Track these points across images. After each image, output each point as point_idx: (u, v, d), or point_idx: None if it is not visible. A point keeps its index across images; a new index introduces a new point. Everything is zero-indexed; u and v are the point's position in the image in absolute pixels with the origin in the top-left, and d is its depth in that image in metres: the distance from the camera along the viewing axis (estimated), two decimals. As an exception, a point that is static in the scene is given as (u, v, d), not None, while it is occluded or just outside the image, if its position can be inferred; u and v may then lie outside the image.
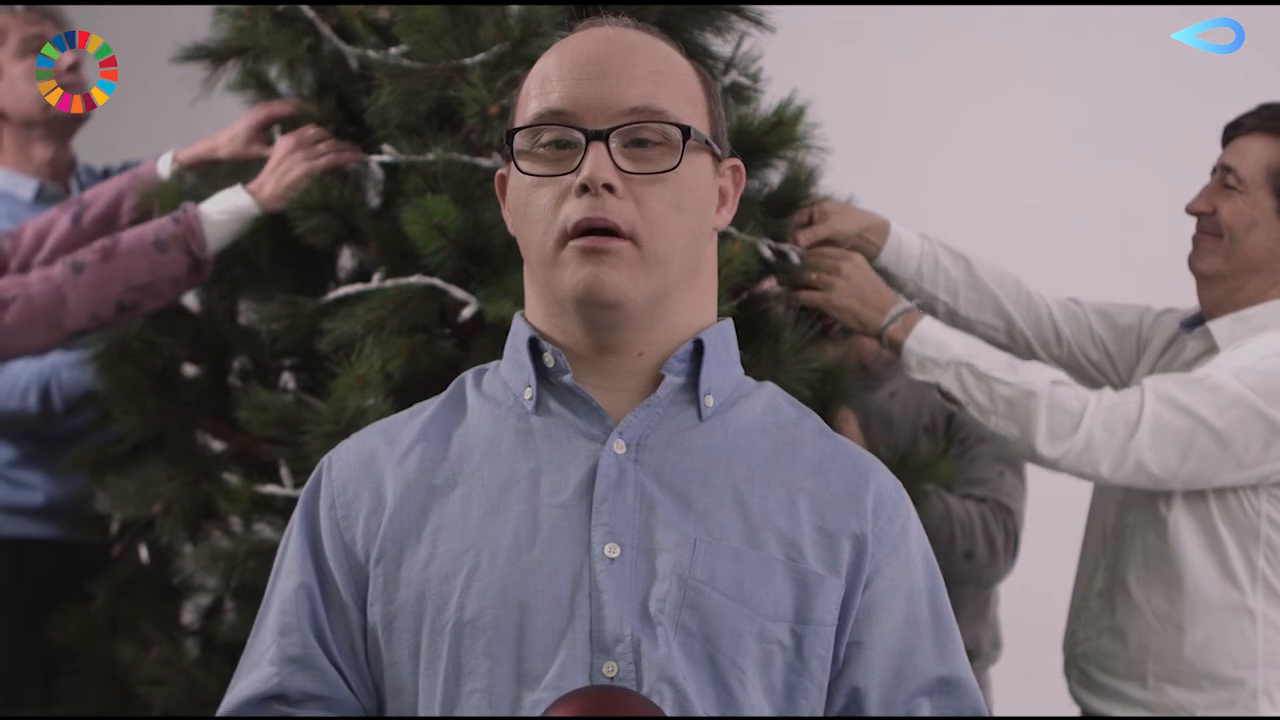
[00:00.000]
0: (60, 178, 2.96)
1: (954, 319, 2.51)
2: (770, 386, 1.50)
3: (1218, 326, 2.34)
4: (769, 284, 2.40)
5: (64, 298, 2.38)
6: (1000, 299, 2.49)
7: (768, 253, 2.35)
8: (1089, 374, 2.54)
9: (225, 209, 2.41)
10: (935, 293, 2.49)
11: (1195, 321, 2.41)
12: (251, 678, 1.42)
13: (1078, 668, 2.45)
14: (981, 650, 2.92)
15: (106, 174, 3.02)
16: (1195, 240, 2.38)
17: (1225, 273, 2.34)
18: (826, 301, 2.33)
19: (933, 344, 2.29)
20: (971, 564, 2.76)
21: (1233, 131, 2.37)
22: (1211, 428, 2.21)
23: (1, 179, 2.91)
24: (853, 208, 2.47)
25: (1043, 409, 2.22)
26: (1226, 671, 2.28)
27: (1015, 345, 2.53)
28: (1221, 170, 2.35)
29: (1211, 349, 2.34)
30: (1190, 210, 2.38)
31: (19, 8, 2.85)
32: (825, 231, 2.41)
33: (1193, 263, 2.38)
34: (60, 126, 2.92)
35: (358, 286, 2.35)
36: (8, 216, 2.84)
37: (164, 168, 2.60)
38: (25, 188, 2.91)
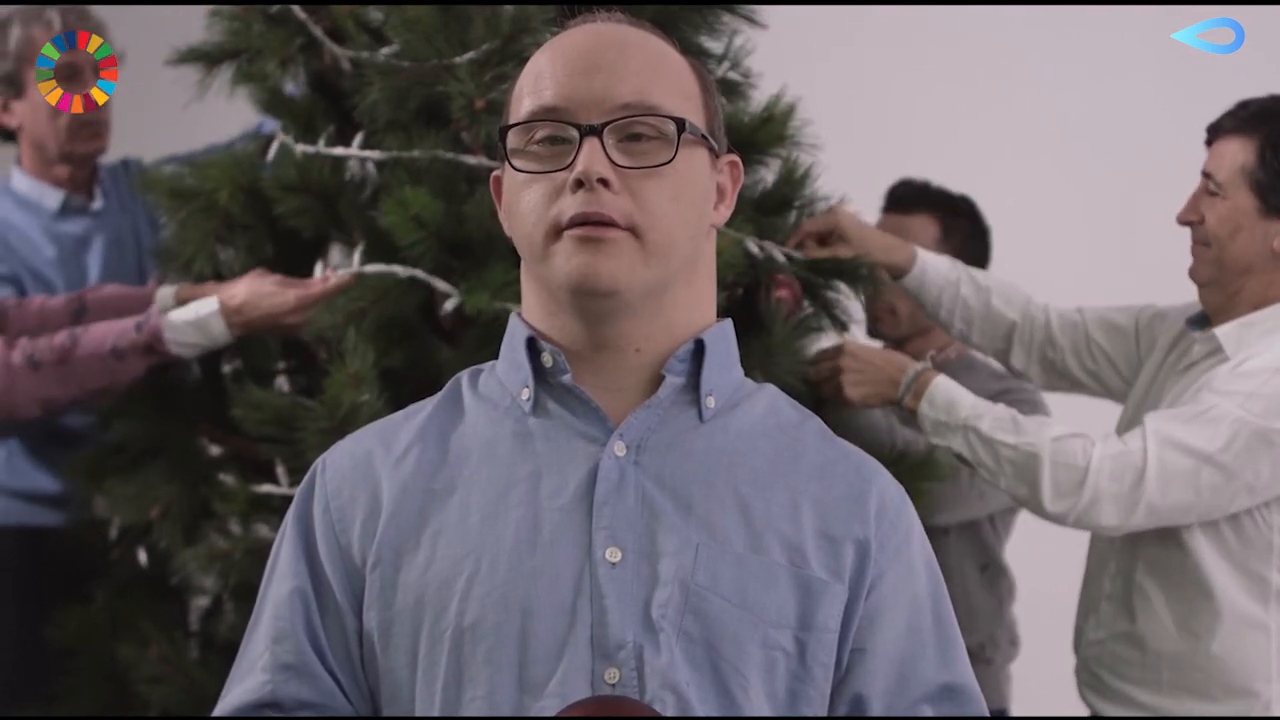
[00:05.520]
0: (84, 187, 2.90)
1: (966, 342, 2.62)
2: (770, 389, 1.49)
3: (1224, 333, 2.31)
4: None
5: (15, 389, 2.44)
6: (1011, 330, 2.56)
7: (756, 250, 2.35)
8: (1087, 386, 2.56)
9: (196, 334, 2.43)
10: (951, 320, 2.56)
11: (1201, 320, 2.40)
12: (244, 685, 1.40)
13: (1089, 670, 2.43)
14: (999, 647, 2.91)
15: (125, 166, 2.99)
16: (1192, 250, 2.37)
17: (1220, 279, 2.33)
18: (840, 396, 2.34)
19: (942, 406, 2.30)
20: None
21: (1213, 134, 2.35)
22: (1218, 463, 2.19)
23: (26, 186, 2.86)
24: (871, 230, 2.51)
25: (1046, 467, 2.22)
26: (1241, 682, 2.27)
27: (1014, 368, 2.61)
28: (1204, 177, 2.34)
29: (1217, 350, 2.31)
30: (1180, 221, 2.36)
31: (54, 20, 2.77)
32: (845, 253, 2.44)
33: (1192, 274, 2.37)
34: (77, 157, 2.86)
35: (341, 272, 2.36)
36: (35, 226, 2.82)
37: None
38: (51, 198, 2.86)
